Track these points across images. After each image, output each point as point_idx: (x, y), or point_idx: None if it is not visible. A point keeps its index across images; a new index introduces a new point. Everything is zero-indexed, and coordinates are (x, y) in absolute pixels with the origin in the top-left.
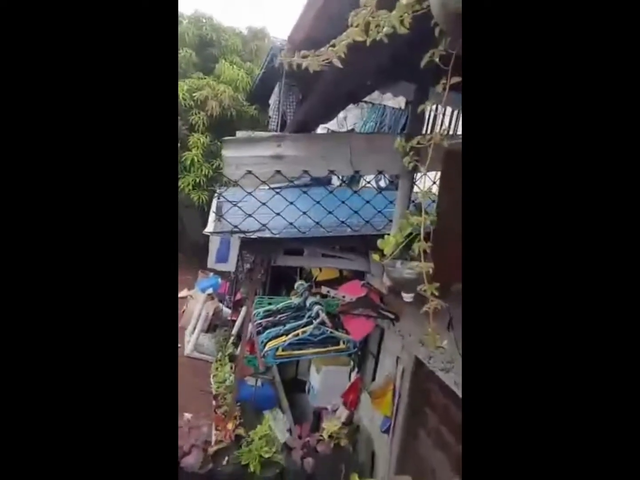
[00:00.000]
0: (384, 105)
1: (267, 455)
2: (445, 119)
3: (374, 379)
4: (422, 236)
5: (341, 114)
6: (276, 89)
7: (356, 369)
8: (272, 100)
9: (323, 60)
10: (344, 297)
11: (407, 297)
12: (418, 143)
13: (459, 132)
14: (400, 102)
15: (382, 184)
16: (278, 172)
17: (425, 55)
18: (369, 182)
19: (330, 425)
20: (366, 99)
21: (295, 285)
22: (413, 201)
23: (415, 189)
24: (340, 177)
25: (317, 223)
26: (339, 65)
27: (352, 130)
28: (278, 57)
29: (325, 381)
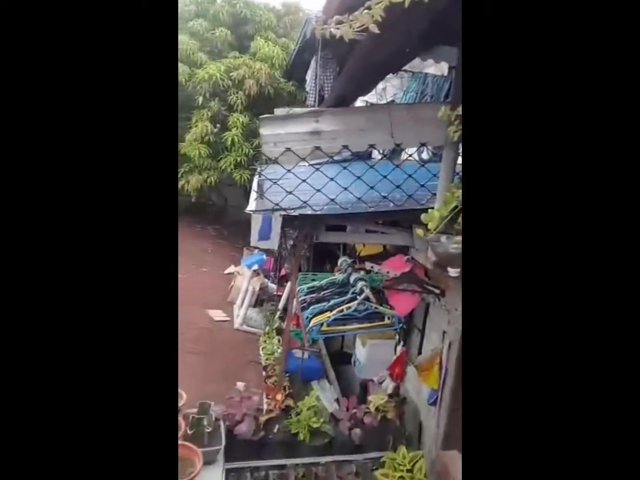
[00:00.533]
0: (425, 73)
1: (315, 426)
2: None
3: (420, 352)
4: None
5: (380, 85)
6: (312, 63)
7: (402, 343)
8: (309, 75)
9: (359, 26)
10: (387, 272)
11: (453, 272)
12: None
13: None
14: (442, 68)
15: (425, 156)
16: (317, 148)
17: None
18: (410, 155)
19: (376, 398)
20: (406, 67)
21: (339, 262)
22: (457, 173)
23: (460, 160)
24: (381, 151)
25: (359, 199)
26: (376, 30)
27: (392, 101)
28: (312, 28)
29: (371, 354)
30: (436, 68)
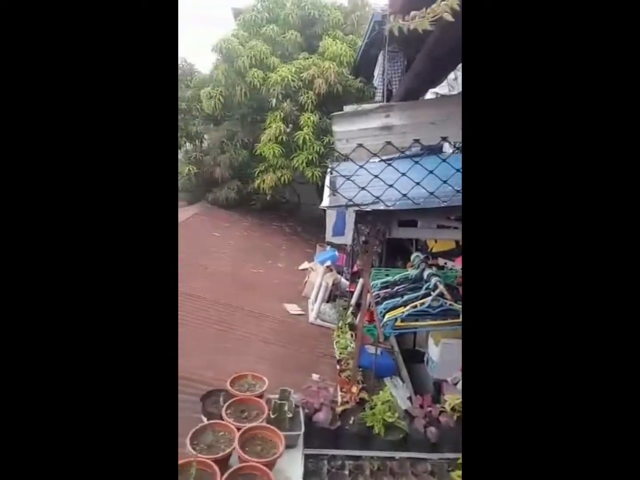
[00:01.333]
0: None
1: (390, 420)
2: None
3: None
4: None
5: (451, 76)
6: (380, 58)
7: None
8: (377, 71)
9: (433, 17)
10: (461, 268)
11: None
12: None
13: None
14: None
15: None
16: (388, 143)
17: None
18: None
19: (452, 398)
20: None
21: (412, 257)
22: None
23: None
24: (453, 144)
25: (432, 193)
26: (450, 18)
27: None
28: (384, 23)
29: (444, 353)
30: None
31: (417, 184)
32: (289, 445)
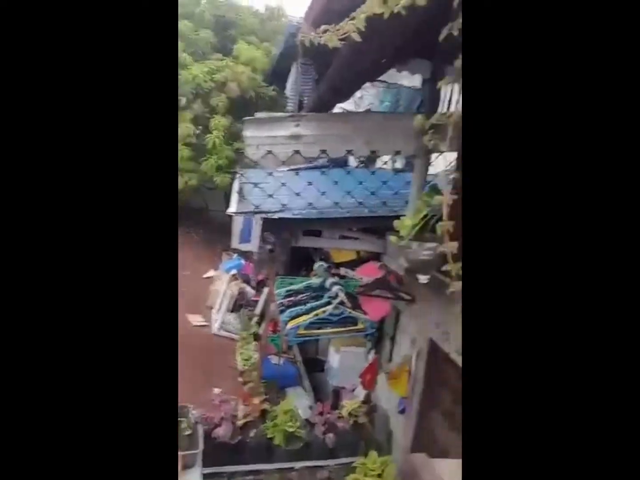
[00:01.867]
0: (400, 85)
1: (291, 430)
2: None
3: (390, 360)
4: (445, 216)
5: (357, 94)
6: (293, 69)
7: (373, 350)
8: (289, 81)
9: (342, 34)
10: (361, 278)
11: (423, 278)
12: (438, 120)
13: None
14: (415, 81)
15: (399, 165)
16: (297, 152)
17: (444, 28)
18: (385, 163)
19: (349, 403)
20: (382, 78)
21: (315, 266)
22: (429, 182)
23: (432, 170)
24: (357, 158)
25: (336, 204)
26: (358, 39)
27: (369, 110)
28: (298, 35)
29: (343, 361)
30: (410, 80)
31: (323, 194)
32: (187, 465)
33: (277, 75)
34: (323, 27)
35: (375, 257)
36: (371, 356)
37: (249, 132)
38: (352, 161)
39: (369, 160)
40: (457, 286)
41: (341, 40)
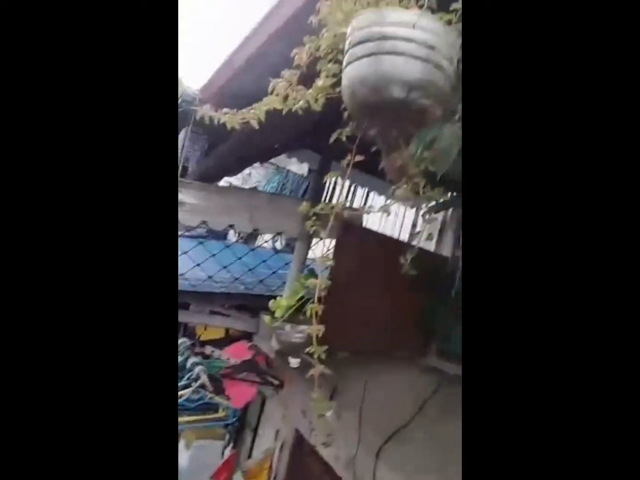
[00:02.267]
0: (288, 170)
1: None
2: (343, 192)
3: (250, 455)
4: (316, 298)
5: (246, 171)
6: (181, 135)
7: (231, 444)
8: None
9: (241, 119)
10: (228, 359)
11: (294, 362)
12: (321, 209)
13: (355, 205)
14: (303, 168)
15: (279, 245)
16: None
17: (334, 133)
18: (266, 242)
19: None
20: (272, 160)
21: (179, 342)
22: (307, 266)
23: (311, 254)
24: (238, 233)
25: (210, 277)
26: (256, 126)
27: (255, 188)
28: (192, 104)
29: (195, 458)
30: (298, 167)
31: (198, 265)
32: None
33: None
34: (225, 109)
35: (247, 336)
36: (228, 451)
37: None
38: (232, 236)
39: (249, 237)
40: (318, 370)
41: (240, 123)
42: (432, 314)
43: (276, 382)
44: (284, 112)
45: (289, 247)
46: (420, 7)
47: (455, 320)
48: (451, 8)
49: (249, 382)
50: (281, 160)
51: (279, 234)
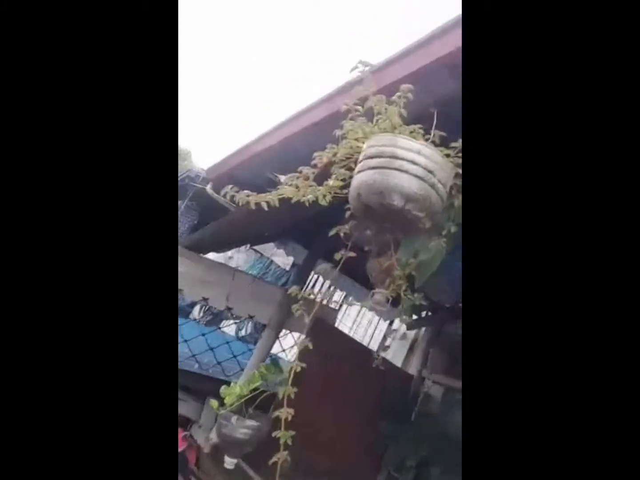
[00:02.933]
0: (271, 260)
1: None
2: (323, 289)
3: None
4: (289, 381)
5: (228, 252)
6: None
7: None
8: None
9: (257, 201)
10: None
11: (229, 462)
12: (308, 295)
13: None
14: (287, 262)
15: (243, 332)
16: None
17: (334, 228)
18: (227, 326)
19: None
20: (257, 247)
21: None
22: (271, 356)
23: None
24: (203, 311)
25: (203, 334)
26: (265, 208)
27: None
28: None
29: None
30: (282, 260)
31: None
32: None
33: None
34: (246, 191)
35: (183, 423)
36: None
37: None
38: (196, 313)
39: (213, 318)
40: (282, 456)
41: (249, 203)
42: (388, 437)
43: None
44: (292, 201)
45: (252, 337)
46: (426, 140)
47: (412, 447)
48: (451, 145)
49: None
50: (266, 248)
51: (250, 317)
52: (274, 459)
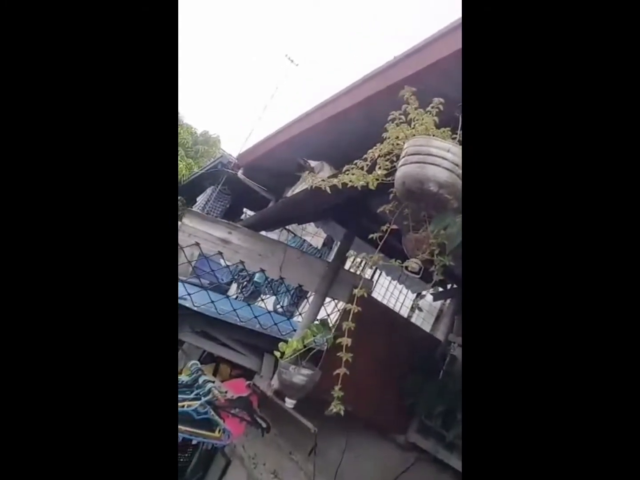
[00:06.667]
0: (304, 240)
1: None
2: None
3: None
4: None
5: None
6: (209, 190)
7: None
8: (201, 199)
9: (322, 182)
10: (226, 392)
11: (289, 403)
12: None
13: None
14: (318, 241)
15: (279, 306)
16: (220, 253)
17: (382, 206)
18: (262, 300)
19: None
20: (290, 227)
21: (189, 364)
22: (318, 320)
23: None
24: (240, 289)
25: (234, 309)
26: (328, 191)
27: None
28: (227, 166)
29: None
30: (314, 239)
31: (227, 297)
32: None
33: (187, 190)
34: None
35: (247, 374)
36: None
37: (188, 221)
38: (234, 290)
39: (250, 295)
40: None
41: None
42: (418, 391)
43: (264, 425)
44: (348, 186)
45: (287, 310)
46: (453, 139)
47: (439, 399)
48: None
49: (239, 418)
50: (297, 229)
51: (300, 286)
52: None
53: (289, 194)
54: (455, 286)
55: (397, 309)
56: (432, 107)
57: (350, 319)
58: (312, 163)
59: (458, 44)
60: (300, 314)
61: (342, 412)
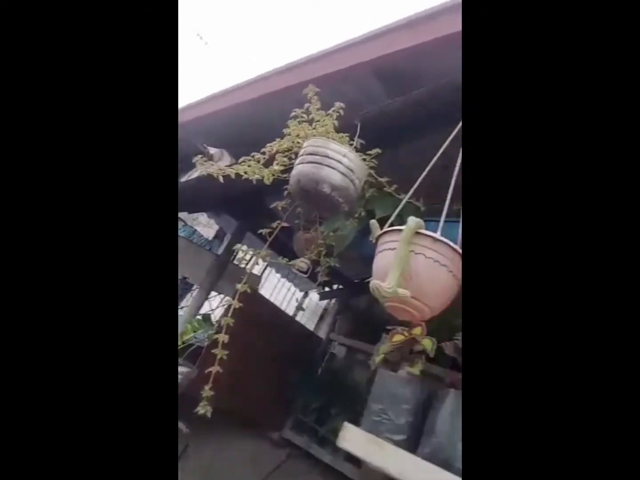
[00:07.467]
0: (194, 229)
1: None
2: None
3: None
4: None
5: None
6: None
7: None
8: None
9: (217, 171)
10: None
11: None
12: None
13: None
14: (209, 232)
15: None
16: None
17: (275, 203)
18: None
19: None
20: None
21: None
22: (201, 315)
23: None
24: None
25: None
26: (221, 180)
27: None
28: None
29: None
30: (205, 229)
31: None
32: None
33: None
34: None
35: None
36: None
37: None
38: None
39: None
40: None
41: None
42: (297, 388)
43: None
44: (242, 178)
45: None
46: (350, 145)
47: (316, 395)
48: (368, 152)
49: None
50: (187, 218)
51: (184, 278)
52: (205, 387)
53: (184, 179)
54: (341, 287)
55: (284, 307)
56: (334, 111)
57: (230, 315)
58: (212, 150)
59: (372, 54)
60: (181, 308)
61: (209, 414)
